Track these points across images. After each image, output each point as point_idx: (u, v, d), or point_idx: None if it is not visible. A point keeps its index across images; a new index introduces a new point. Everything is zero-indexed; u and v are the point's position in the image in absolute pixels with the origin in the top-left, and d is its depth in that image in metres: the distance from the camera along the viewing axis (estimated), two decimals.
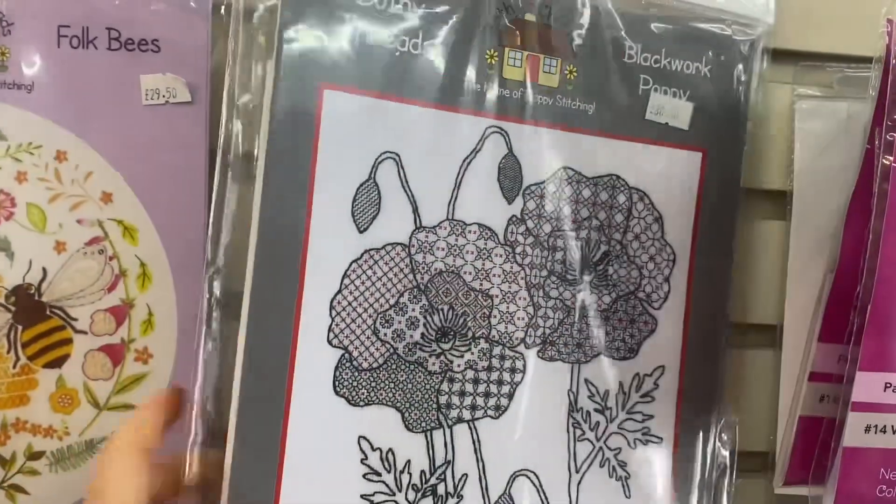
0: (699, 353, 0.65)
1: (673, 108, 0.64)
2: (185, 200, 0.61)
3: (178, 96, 0.60)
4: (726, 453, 0.65)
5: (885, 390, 0.57)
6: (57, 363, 0.61)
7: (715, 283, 0.66)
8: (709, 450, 0.65)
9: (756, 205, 0.69)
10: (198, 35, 0.60)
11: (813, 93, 0.67)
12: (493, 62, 0.60)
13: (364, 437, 0.59)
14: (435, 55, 0.59)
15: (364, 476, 0.59)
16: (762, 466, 0.68)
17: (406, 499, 0.60)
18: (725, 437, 0.65)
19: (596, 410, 0.64)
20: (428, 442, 0.60)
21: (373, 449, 0.59)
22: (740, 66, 0.65)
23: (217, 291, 0.57)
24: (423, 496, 0.60)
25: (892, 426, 0.58)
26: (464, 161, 0.60)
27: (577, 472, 0.63)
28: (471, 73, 0.60)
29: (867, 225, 0.57)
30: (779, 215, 0.68)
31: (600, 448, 0.64)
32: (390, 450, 0.60)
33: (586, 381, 0.63)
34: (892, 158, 0.55)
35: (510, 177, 0.61)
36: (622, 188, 0.64)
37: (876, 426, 0.57)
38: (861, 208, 0.59)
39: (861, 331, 0.56)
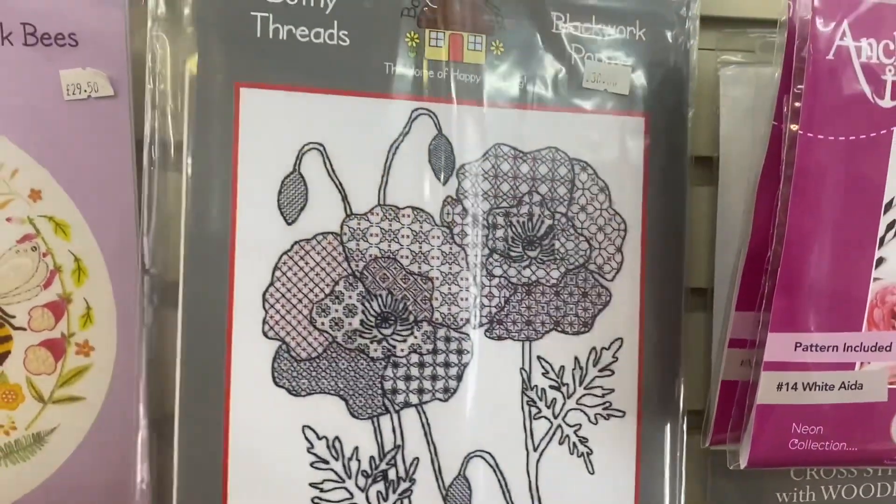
0: (657, 323, 0.64)
1: (611, 74, 0.63)
2: (115, 194, 0.60)
3: (101, 90, 0.59)
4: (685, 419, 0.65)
5: (795, 349, 0.58)
6: None
7: (670, 250, 0.65)
8: (671, 419, 0.65)
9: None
10: (115, 27, 0.59)
11: (736, 59, 0.67)
12: (414, 44, 0.60)
13: (308, 426, 0.59)
14: (352, 43, 0.59)
15: (312, 465, 0.59)
16: (699, 423, 0.67)
17: (356, 485, 0.60)
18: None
19: (551, 387, 0.63)
20: (375, 428, 0.60)
21: (318, 437, 0.59)
22: (675, 30, 0.64)
23: (148, 286, 0.58)
24: (374, 482, 0.60)
25: (802, 383, 0.59)
26: (391, 145, 0.60)
27: (535, 450, 0.63)
28: (391, 58, 0.60)
29: (776, 196, 0.57)
30: (708, 181, 0.67)
31: (559, 425, 0.63)
32: (336, 437, 0.59)
33: (539, 357, 0.63)
34: (797, 126, 0.55)
35: (441, 157, 0.61)
36: (562, 160, 0.62)
37: (787, 384, 0.59)
38: (770, 181, 0.59)
39: (771, 294, 0.57)
